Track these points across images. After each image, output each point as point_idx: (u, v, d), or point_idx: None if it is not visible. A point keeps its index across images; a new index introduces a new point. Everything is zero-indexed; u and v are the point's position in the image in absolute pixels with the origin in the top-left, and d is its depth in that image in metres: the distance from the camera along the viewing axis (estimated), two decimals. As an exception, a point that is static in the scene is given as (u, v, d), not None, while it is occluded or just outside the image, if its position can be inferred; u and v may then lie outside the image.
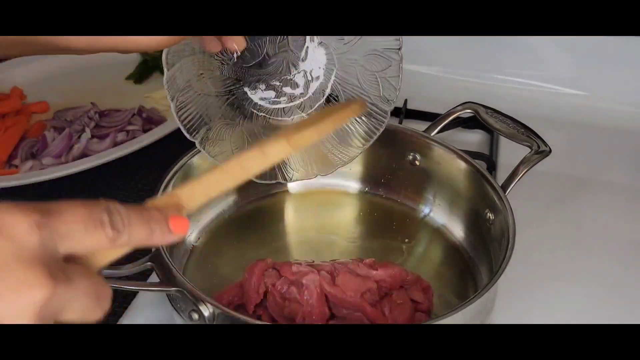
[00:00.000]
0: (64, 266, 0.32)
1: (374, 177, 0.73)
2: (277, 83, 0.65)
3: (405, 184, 0.72)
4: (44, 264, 0.30)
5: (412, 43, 0.98)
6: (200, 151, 0.64)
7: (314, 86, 0.65)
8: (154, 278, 0.55)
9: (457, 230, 0.68)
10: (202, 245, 0.66)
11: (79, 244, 0.33)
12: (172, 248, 0.58)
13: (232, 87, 0.64)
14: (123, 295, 0.62)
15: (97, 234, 0.33)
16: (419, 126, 0.74)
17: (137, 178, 0.81)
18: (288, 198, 0.73)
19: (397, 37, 0.61)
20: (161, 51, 0.55)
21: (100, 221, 0.33)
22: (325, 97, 0.66)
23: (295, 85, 0.65)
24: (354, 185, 0.74)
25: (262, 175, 0.65)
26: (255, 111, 0.65)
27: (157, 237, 0.36)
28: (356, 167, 0.74)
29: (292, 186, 0.73)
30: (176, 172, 0.62)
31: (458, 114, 0.71)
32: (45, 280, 0.30)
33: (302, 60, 0.64)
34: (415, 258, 0.67)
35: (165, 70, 0.59)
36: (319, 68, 0.65)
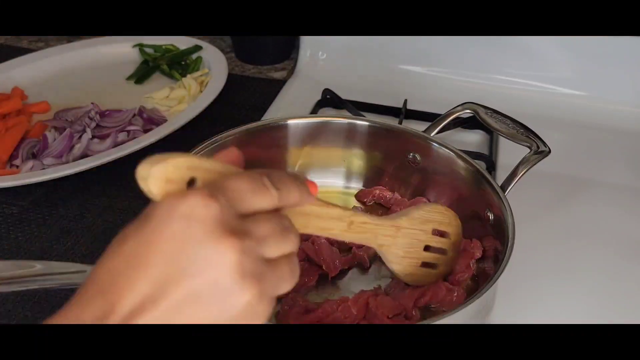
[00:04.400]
0: (245, 220, 0.35)
1: (374, 177, 0.74)
2: None
3: (405, 184, 0.72)
4: (225, 228, 0.33)
5: (413, 43, 0.99)
6: (200, 152, 0.64)
7: None
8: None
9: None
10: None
11: (253, 205, 0.36)
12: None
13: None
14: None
15: (265, 194, 0.36)
16: (419, 126, 0.74)
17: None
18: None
19: None
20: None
21: (263, 183, 0.36)
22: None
23: None
24: (354, 185, 0.74)
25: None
26: None
27: (305, 196, 0.40)
28: (356, 167, 0.74)
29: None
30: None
31: (458, 114, 0.71)
32: (230, 240, 0.33)
33: None
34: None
35: None
36: None
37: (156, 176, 0.34)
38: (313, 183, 0.42)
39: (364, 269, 0.65)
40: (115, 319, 0.32)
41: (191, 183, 0.36)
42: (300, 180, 0.40)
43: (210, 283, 0.33)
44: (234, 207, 0.35)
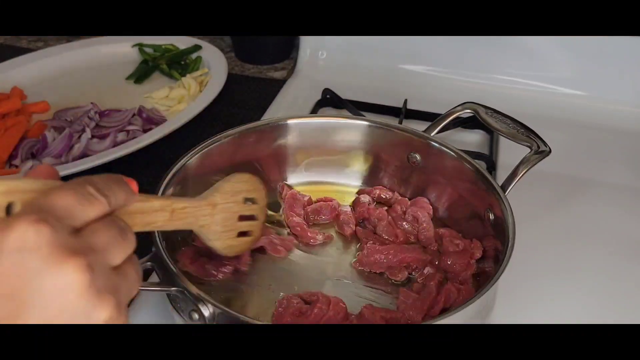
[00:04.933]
0: (81, 235, 0.33)
1: (374, 177, 0.74)
2: None
3: (405, 184, 0.72)
4: (64, 249, 0.31)
5: (413, 43, 0.99)
6: (200, 152, 0.64)
7: None
8: (154, 278, 0.55)
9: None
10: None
11: (84, 217, 0.34)
12: (172, 248, 0.58)
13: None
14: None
15: (93, 203, 0.35)
16: (419, 126, 0.74)
17: (137, 178, 0.81)
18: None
19: None
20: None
21: (89, 192, 0.35)
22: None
23: None
24: (354, 184, 0.74)
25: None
26: None
27: (130, 195, 0.39)
28: (356, 167, 0.74)
29: (291, 184, 0.73)
30: (176, 172, 0.62)
31: (458, 114, 0.71)
32: (73, 260, 0.31)
33: None
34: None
35: None
36: None
37: None
38: (132, 180, 0.41)
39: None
40: None
41: (9, 209, 0.34)
42: (122, 180, 0.39)
43: (64, 310, 0.31)
44: (65, 225, 0.33)
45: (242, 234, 0.59)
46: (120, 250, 0.35)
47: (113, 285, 0.33)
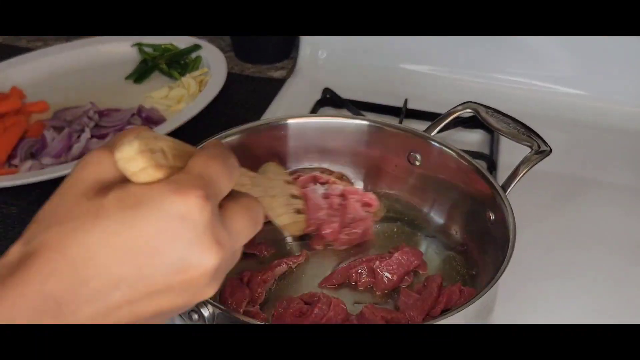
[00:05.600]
0: (224, 223, 0.35)
1: (374, 177, 0.73)
2: None
3: (405, 183, 0.72)
4: (213, 235, 0.33)
5: (413, 43, 0.99)
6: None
7: None
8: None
9: (457, 230, 0.68)
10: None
11: (225, 192, 0.36)
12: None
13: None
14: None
15: (233, 178, 0.37)
16: (419, 126, 0.73)
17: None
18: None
19: None
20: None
21: (233, 165, 0.37)
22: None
23: None
24: (354, 184, 0.74)
25: None
26: None
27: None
28: (356, 167, 0.74)
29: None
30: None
31: (458, 113, 0.71)
32: (215, 249, 0.33)
33: None
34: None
35: None
36: None
37: (144, 157, 0.32)
38: None
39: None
40: (85, 293, 0.31)
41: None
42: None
43: (187, 281, 0.33)
44: (218, 199, 0.35)
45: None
46: (248, 238, 0.37)
47: (225, 271, 0.36)
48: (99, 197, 0.33)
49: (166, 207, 0.32)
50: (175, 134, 0.83)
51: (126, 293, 0.32)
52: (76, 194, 0.34)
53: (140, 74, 1.01)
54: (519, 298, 0.63)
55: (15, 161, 0.82)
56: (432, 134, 0.70)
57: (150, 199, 0.32)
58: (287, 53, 1.08)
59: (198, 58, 1.02)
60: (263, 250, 0.66)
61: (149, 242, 0.32)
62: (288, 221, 0.57)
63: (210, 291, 0.35)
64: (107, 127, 0.85)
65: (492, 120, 0.69)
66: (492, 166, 0.79)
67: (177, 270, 0.33)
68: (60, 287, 0.31)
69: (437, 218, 0.70)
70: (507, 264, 0.53)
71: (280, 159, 0.72)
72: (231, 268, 0.37)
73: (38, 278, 0.31)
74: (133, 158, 0.32)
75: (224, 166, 0.36)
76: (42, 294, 0.31)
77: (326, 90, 0.93)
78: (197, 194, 0.33)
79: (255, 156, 0.70)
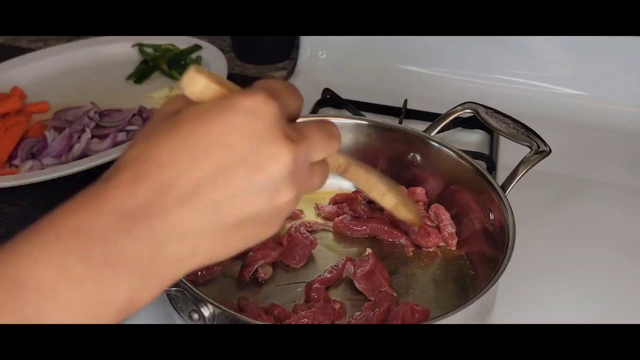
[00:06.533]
0: (294, 126, 0.37)
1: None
2: None
3: (405, 183, 0.72)
4: (283, 129, 0.35)
5: (413, 43, 0.99)
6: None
7: None
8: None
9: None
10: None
11: (294, 108, 0.39)
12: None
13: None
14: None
15: (300, 102, 0.40)
16: (419, 126, 0.74)
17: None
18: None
19: None
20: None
21: (299, 93, 0.40)
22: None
23: None
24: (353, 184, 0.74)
25: None
26: None
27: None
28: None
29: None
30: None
31: (458, 114, 0.71)
32: (286, 142, 0.35)
33: None
34: (415, 258, 0.67)
35: None
36: None
37: (203, 75, 0.36)
38: None
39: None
40: (175, 192, 0.33)
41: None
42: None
43: (265, 177, 0.34)
44: (284, 109, 0.37)
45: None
46: (323, 152, 0.39)
47: (302, 179, 0.37)
48: (177, 114, 0.35)
49: (235, 106, 0.34)
50: (176, 134, 0.83)
51: (209, 191, 0.34)
52: (158, 119, 0.36)
53: (140, 75, 1.01)
54: (518, 298, 0.63)
55: (16, 161, 0.82)
56: (432, 134, 0.70)
57: (220, 103, 0.35)
58: (288, 53, 1.08)
59: (198, 58, 1.02)
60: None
61: (221, 138, 0.34)
62: (413, 210, 0.56)
63: (287, 194, 0.36)
64: (107, 128, 0.85)
65: (492, 121, 0.69)
66: (492, 166, 0.79)
67: (251, 166, 0.34)
68: (148, 187, 0.33)
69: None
70: (507, 263, 0.54)
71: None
72: (307, 184, 0.38)
73: (128, 183, 0.34)
74: (194, 78, 0.36)
75: (289, 86, 0.39)
76: (132, 195, 0.33)
77: (326, 91, 0.93)
78: (263, 93, 0.35)
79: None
